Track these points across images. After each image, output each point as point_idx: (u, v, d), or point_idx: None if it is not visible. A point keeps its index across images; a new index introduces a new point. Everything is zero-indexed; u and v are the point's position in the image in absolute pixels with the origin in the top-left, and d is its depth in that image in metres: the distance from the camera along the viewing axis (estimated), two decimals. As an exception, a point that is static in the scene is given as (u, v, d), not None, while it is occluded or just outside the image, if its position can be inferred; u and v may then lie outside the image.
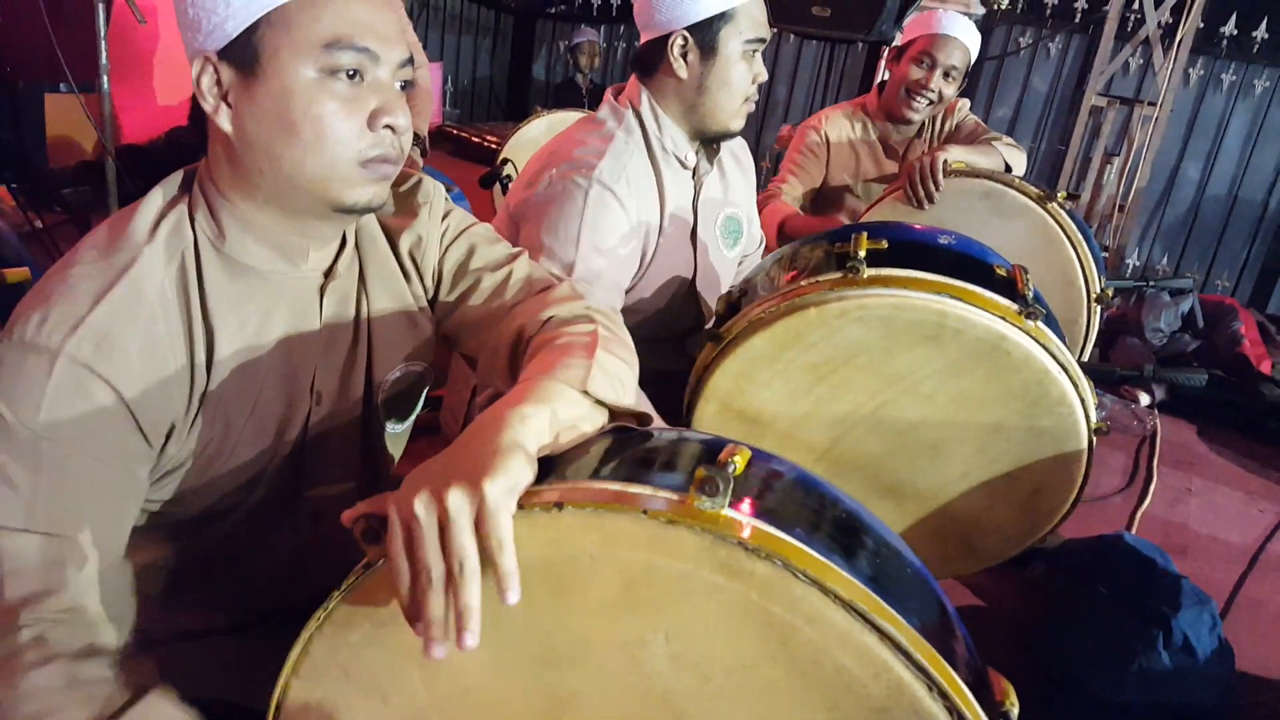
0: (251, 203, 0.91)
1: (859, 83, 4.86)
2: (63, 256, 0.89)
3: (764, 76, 1.63)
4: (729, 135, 1.68)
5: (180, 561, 1.00)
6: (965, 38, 2.47)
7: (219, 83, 0.86)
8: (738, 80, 1.60)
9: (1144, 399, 3.03)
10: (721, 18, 1.55)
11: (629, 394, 0.89)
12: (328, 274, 0.98)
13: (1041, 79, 5.47)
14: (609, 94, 1.71)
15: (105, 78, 1.81)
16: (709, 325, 1.56)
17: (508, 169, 2.96)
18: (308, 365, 0.97)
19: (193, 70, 0.87)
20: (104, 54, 1.80)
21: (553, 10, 6.60)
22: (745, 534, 0.64)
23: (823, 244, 1.40)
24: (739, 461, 0.72)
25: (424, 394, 1.12)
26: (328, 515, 0.95)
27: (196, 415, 0.90)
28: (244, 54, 0.84)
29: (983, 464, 1.36)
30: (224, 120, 0.87)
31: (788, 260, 1.42)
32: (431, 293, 1.07)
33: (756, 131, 6.02)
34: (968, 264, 1.36)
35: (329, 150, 0.86)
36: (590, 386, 0.82)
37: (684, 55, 1.58)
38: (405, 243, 1.04)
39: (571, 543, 0.67)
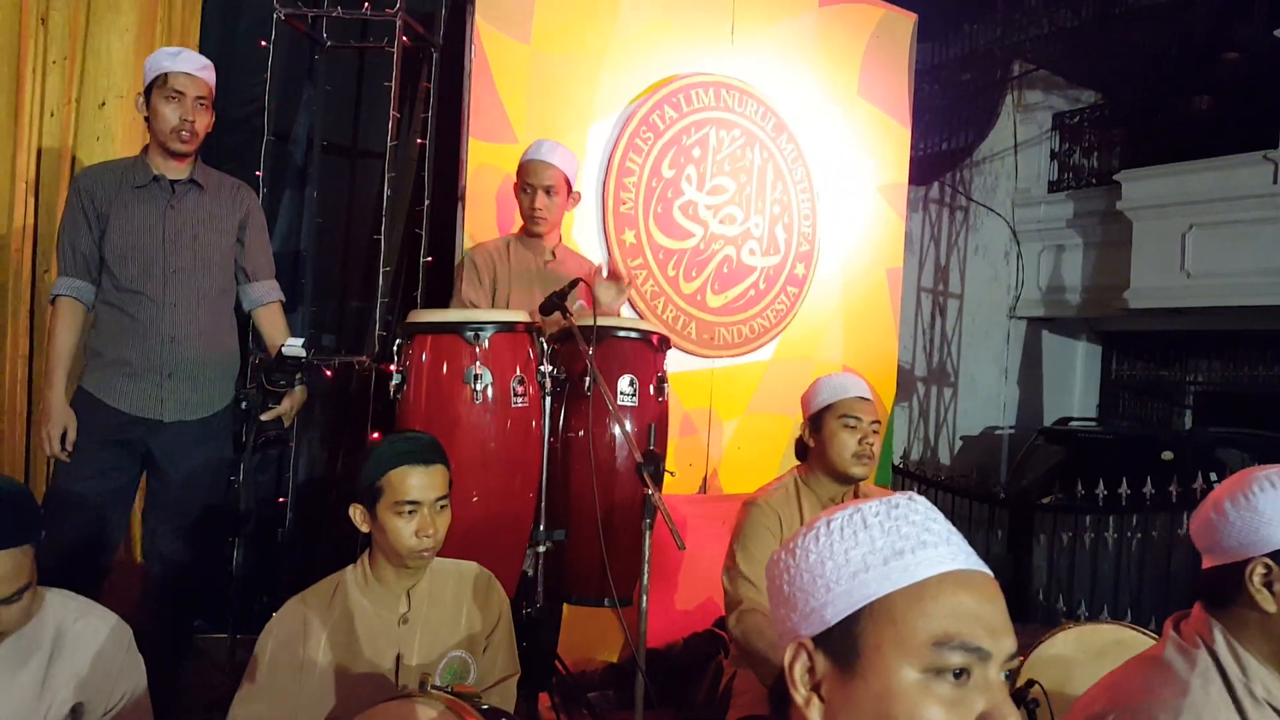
0: None
1: None
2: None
3: None
4: None
5: None
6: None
7: (812, 671, 0.83)
8: None
9: None
10: None
11: None
12: None
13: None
14: (1169, 626, 1.48)
15: (645, 598, 2.07)
16: None
17: (1033, 691, 2.15)
18: None
19: (785, 654, 0.85)
20: (645, 576, 2.04)
21: (1047, 500, 5.78)
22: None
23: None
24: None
25: None
26: None
27: None
28: (842, 646, 0.81)
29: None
30: (815, 714, 0.83)
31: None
32: None
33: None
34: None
35: None
36: None
37: (1268, 585, 1.34)
38: None
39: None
